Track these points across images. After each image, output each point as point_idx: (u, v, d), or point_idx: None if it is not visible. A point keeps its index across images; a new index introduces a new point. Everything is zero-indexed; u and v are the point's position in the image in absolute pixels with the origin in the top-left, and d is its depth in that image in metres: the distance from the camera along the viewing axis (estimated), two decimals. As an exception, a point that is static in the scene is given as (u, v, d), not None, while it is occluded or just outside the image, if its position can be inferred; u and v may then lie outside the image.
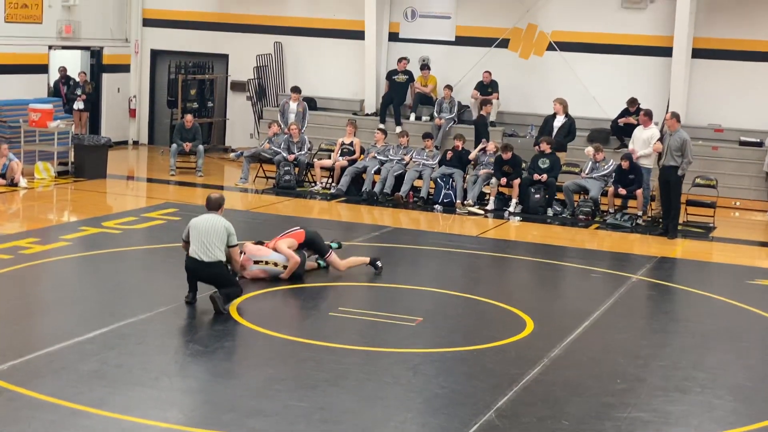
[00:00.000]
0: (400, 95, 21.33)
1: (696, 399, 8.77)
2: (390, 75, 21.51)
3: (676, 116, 16.13)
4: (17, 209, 16.65)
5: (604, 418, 8.15)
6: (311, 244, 12.22)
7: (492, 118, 20.66)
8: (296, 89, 20.75)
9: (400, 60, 21.43)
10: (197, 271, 10.58)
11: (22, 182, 17.76)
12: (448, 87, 20.88)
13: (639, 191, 16.89)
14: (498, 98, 20.76)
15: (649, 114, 17.29)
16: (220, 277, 10.55)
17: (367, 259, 12.70)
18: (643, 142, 17.15)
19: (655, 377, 9.32)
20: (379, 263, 12.64)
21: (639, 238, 16.07)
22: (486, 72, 20.87)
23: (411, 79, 21.40)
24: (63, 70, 22.70)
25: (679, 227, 16.75)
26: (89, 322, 9.99)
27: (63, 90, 22.51)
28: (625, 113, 19.34)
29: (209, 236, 10.47)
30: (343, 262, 12.40)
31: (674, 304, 12.56)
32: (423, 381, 8.84)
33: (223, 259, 10.56)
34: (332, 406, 8.10)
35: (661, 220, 16.56)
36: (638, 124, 17.57)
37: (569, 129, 18.53)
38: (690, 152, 15.87)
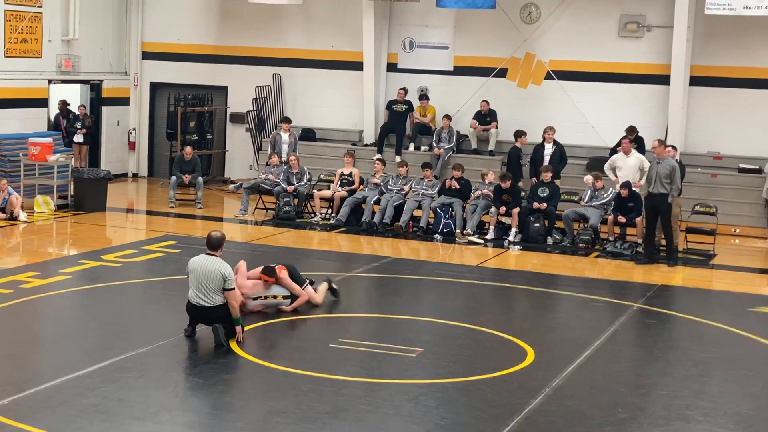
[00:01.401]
0: (400, 125, 21.38)
1: (698, 428, 8.74)
2: (390, 105, 21.59)
3: (663, 143, 16.20)
4: (17, 243, 16.66)
5: (606, 448, 8.12)
6: (291, 277, 12.18)
7: (491, 147, 20.73)
8: (287, 120, 20.88)
9: (399, 90, 21.51)
10: (200, 316, 10.59)
11: (22, 216, 17.79)
12: (447, 117, 20.95)
13: (639, 219, 16.90)
14: (497, 127, 20.82)
15: (638, 141, 17.51)
16: (225, 318, 10.53)
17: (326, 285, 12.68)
18: (630, 168, 17.31)
19: (657, 406, 9.29)
20: (334, 285, 12.66)
21: (639, 266, 16.04)
22: (483, 101, 20.95)
23: (410, 108, 21.47)
24: (63, 103, 22.78)
25: (680, 254, 16.76)
26: (89, 356, 9.97)
27: (63, 123, 22.57)
28: (622, 142, 19.37)
29: (206, 282, 10.44)
30: (319, 294, 12.36)
31: (675, 332, 12.53)
32: (424, 412, 8.80)
33: (224, 301, 10.52)
34: (333, 438, 8.07)
35: (662, 247, 16.56)
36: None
37: (561, 155, 18.76)
38: (679, 179, 15.90)
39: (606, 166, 17.84)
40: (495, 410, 8.90)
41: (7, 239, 16.72)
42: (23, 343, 10.76)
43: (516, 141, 19.35)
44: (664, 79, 20.15)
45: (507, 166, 19.27)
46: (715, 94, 20.15)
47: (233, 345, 10.50)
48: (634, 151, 17.68)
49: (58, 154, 19.23)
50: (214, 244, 10.67)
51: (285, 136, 20.49)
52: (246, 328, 10.96)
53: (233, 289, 10.57)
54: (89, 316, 12.05)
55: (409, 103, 21.47)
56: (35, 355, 10.39)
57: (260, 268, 12.04)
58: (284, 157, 19.96)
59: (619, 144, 18.55)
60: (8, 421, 8.06)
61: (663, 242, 16.65)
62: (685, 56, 19.75)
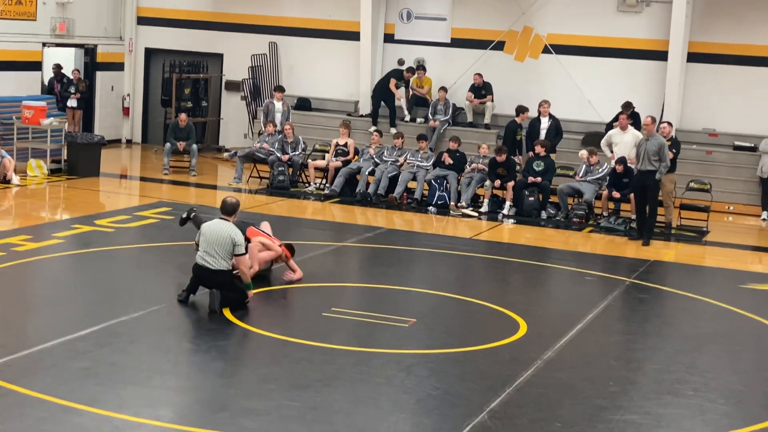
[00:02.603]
0: (387, 93, 21.05)
1: (688, 402, 8.77)
2: (397, 76, 21.19)
3: (655, 120, 16.15)
4: (9, 206, 16.60)
5: (597, 421, 8.14)
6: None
7: (486, 120, 20.68)
8: (280, 88, 20.76)
9: (408, 69, 21.27)
10: (203, 277, 10.56)
11: (15, 179, 17.72)
12: (443, 89, 20.87)
13: (633, 195, 16.88)
14: (492, 100, 20.75)
15: (634, 117, 17.45)
16: (226, 285, 10.53)
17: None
18: (626, 144, 17.27)
19: (648, 380, 9.32)
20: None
21: (632, 241, 16.05)
22: (477, 74, 20.83)
23: (406, 86, 21.33)
24: (57, 67, 22.65)
25: (673, 231, 16.78)
26: (82, 319, 9.96)
27: (57, 87, 22.45)
28: (619, 117, 19.34)
29: (215, 246, 10.44)
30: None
31: (667, 307, 12.56)
32: (416, 382, 8.82)
33: (229, 267, 10.53)
34: (325, 406, 8.08)
35: (659, 224, 16.56)
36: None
37: (557, 129, 18.73)
38: (667, 156, 15.84)
39: (602, 142, 17.81)
40: (487, 381, 8.93)
41: (0, 202, 16.66)
42: (15, 305, 10.75)
43: (517, 117, 19.19)
44: (661, 55, 20.10)
45: (503, 140, 19.19)
46: (712, 71, 20.10)
47: (227, 312, 10.50)
48: (630, 127, 17.65)
49: (52, 118, 19.13)
50: (228, 210, 10.72)
51: (278, 105, 20.40)
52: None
53: (244, 254, 10.62)
54: (82, 280, 12.04)
55: (407, 83, 21.28)
56: (27, 318, 10.37)
57: (274, 240, 12.01)
58: (279, 126, 19.89)
59: (615, 119, 18.51)
60: (0, 382, 8.05)
61: (658, 218, 16.67)
62: (684, 32, 19.69)
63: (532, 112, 19.29)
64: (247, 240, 11.65)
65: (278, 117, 20.24)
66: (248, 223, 12.21)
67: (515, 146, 18.83)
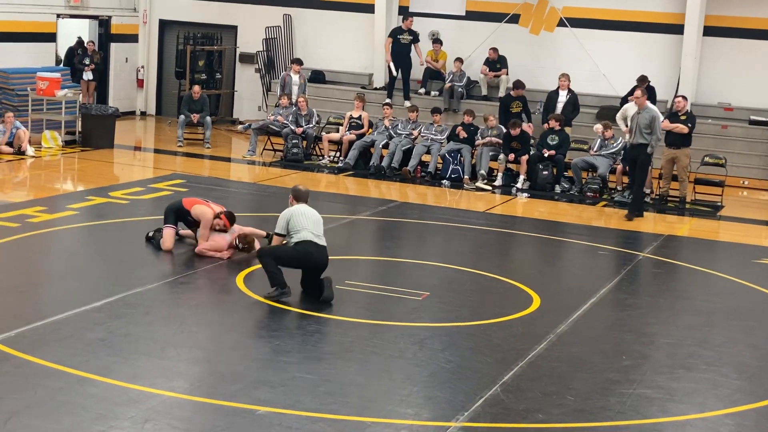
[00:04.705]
0: (406, 60, 20.86)
1: (701, 377, 8.77)
2: (394, 33, 20.91)
3: (645, 93, 16.03)
4: (24, 178, 16.66)
5: (609, 395, 8.15)
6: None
7: (500, 93, 20.60)
8: (298, 61, 20.64)
9: (405, 18, 20.97)
10: (313, 253, 10.17)
11: (30, 151, 17.77)
12: (459, 59, 20.78)
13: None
14: (507, 74, 20.66)
15: (649, 90, 17.33)
16: (327, 263, 10.36)
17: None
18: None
19: (661, 354, 9.33)
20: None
21: (646, 215, 16.00)
22: (492, 49, 20.73)
23: (416, 40, 20.96)
24: (80, 41, 22.63)
25: (687, 205, 16.74)
26: (96, 291, 10.01)
27: (76, 59, 22.43)
28: (635, 91, 19.23)
29: (318, 225, 10.29)
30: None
31: (680, 282, 12.54)
32: (429, 355, 8.84)
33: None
34: (338, 378, 8.11)
35: (671, 198, 16.50)
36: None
37: (574, 104, 18.62)
38: (659, 129, 15.72)
39: (618, 116, 17.71)
40: (500, 354, 8.94)
41: (15, 173, 16.72)
42: (30, 276, 10.81)
43: (513, 90, 19.05)
44: (677, 29, 19.97)
45: (499, 113, 18.98)
46: (728, 45, 19.97)
47: (239, 283, 10.53)
48: (647, 102, 17.46)
49: (66, 90, 19.15)
50: (306, 197, 10.53)
51: (295, 78, 20.34)
52: (253, 268, 10.99)
53: None
54: (96, 251, 12.08)
55: (414, 35, 20.88)
56: (42, 288, 10.43)
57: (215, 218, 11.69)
58: (294, 99, 19.84)
59: (630, 93, 18.36)
60: (15, 352, 8.11)
61: (672, 193, 16.62)
62: (700, 6, 19.55)
63: (546, 86, 19.17)
64: (186, 211, 11.65)
65: (295, 90, 20.18)
66: (178, 199, 12.11)
67: (508, 118, 18.49)
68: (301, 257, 10.15)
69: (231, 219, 11.67)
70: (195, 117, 20.11)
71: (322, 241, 10.28)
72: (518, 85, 18.89)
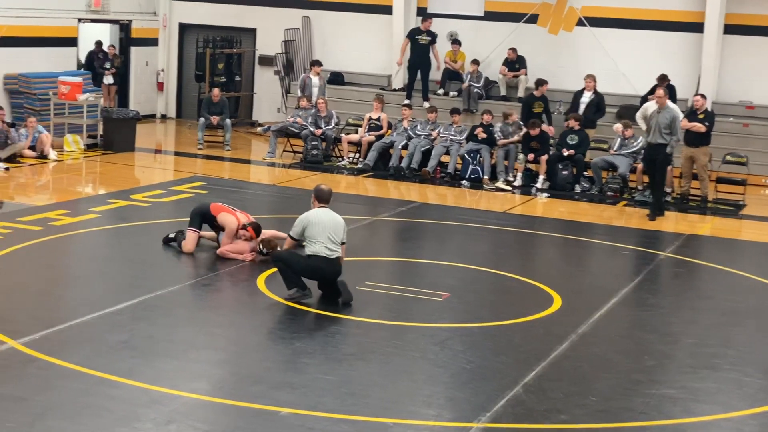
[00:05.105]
0: (424, 61, 20.87)
1: (725, 376, 8.72)
2: (412, 34, 20.91)
3: (667, 93, 15.95)
4: (47, 181, 16.76)
5: (632, 395, 8.12)
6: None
7: (520, 94, 20.56)
8: (317, 63, 20.64)
9: (425, 19, 20.96)
10: (324, 269, 10.13)
11: (52, 154, 17.87)
12: (475, 62, 20.75)
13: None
14: (526, 74, 20.63)
15: (670, 89, 17.25)
16: (340, 272, 10.29)
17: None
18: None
19: (684, 354, 9.28)
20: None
21: (667, 215, 15.93)
22: (510, 49, 20.68)
23: (434, 40, 20.95)
24: (98, 44, 22.73)
25: (709, 204, 16.65)
26: (118, 293, 10.06)
27: (96, 63, 22.52)
28: (655, 90, 19.16)
29: (335, 232, 10.14)
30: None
31: (703, 281, 12.48)
32: (450, 356, 8.83)
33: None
34: (359, 379, 8.12)
35: (691, 197, 16.42)
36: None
37: (598, 105, 18.51)
38: (679, 129, 15.64)
39: (638, 115, 17.61)
40: (521, 355, 8.93)
41: (38, 177, 16.82)
42: (53, 279, 10.87)
43: (536, 89, 19.01)
44: (697, 27, 19.88)
45: (521, 114, 18.92)
46: (749, 43, 19.86)
47: (261, 285, 10.56)
48: (668, 101, 17.39)
49: (88, 94, 19.26)
50: (328, 197, 10.38)
51: (315, 79, 20.36)
52: (273, 270, 11.00)
53: (344, 243, 10.35)
54: (118, 254, 12.13)
55: (433, 35, 20.86)
56: (65, 291, 10.49)
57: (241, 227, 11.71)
58: (314, 101, 19.86)
59: (651, 92, 18.31)
60: (39, 355, 8.16)
61: (694, 192, 16.54)
62: (720, 4, 19.45)
63: (568, 86, 19.10)
64: (213, 216, 11.67)
65: (315, 91, 20.18)
66: (206, 203, 12.15)
67: (530, 118, 18.42)
68: (312, 270, 10.15)
69: (257, 231, 11.66)
70: (215, 119, 20.16)
71: (336, 252, 10.14)
72: (540, 82, 18.82)
